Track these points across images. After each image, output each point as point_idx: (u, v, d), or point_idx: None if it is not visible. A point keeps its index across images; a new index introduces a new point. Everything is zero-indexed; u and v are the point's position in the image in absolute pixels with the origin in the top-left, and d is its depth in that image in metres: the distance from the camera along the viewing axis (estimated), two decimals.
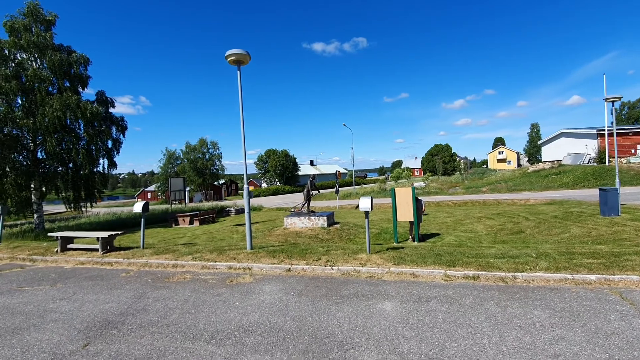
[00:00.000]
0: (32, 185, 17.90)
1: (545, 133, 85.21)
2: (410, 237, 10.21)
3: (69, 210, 20.30)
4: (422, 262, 6.30)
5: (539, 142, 45.13)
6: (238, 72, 6.47)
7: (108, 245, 8.93)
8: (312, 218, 12.46)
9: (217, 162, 57.20)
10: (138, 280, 6.39)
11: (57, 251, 9.20)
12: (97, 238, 8.80)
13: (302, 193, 13.11)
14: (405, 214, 9.71)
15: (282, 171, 62.62)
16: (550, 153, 42.60)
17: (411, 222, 9.96)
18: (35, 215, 18.39)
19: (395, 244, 9.74)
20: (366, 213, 7.03)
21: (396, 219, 9.84)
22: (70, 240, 9.64)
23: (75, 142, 17.31)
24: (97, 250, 8.79)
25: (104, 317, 4.72)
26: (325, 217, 12.36)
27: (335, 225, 12.65)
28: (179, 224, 19.74)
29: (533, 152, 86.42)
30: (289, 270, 6.47)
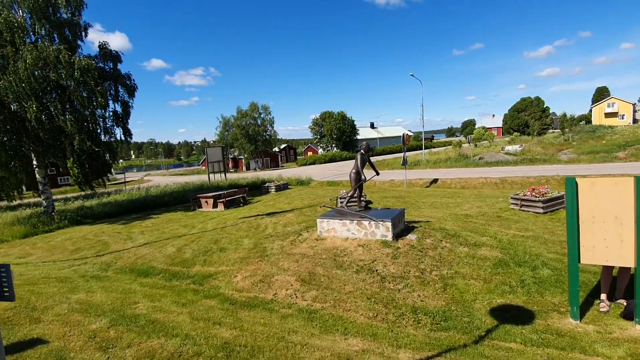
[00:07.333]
0: (35, 162, 15.01)
1: None
2: (603, 296, 4.14)
3: (86, 188, 17.53)
4: None
5: None
6: None
7: None
8: (365, 223, 6.88)
9: (270, 128, 53.25)
10: None
11: None
12: None
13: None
14: (609, 247, 3.60)
15: (339, 135, 56.41)
16: None
17: (622, 270, 3.85)
18: (42, 197, 15.68)
19: (577, 328, 3.72)
20: None
21: (578, 259, 3.81)
22: None
23: (61, 109, 13.55)
24: None
25: None
26: (389, 223, 6.67)
27: (409, 237, 6.91)
28: (201, 207, 15.71)
29: None
30: None
